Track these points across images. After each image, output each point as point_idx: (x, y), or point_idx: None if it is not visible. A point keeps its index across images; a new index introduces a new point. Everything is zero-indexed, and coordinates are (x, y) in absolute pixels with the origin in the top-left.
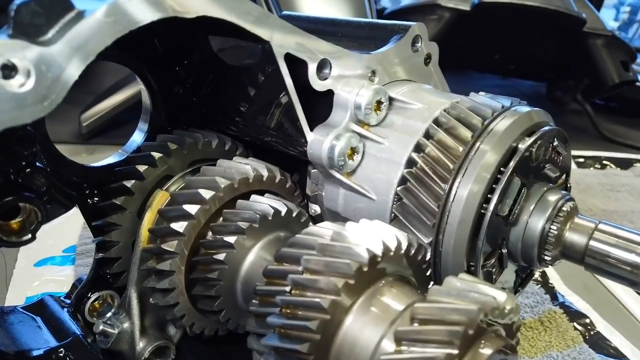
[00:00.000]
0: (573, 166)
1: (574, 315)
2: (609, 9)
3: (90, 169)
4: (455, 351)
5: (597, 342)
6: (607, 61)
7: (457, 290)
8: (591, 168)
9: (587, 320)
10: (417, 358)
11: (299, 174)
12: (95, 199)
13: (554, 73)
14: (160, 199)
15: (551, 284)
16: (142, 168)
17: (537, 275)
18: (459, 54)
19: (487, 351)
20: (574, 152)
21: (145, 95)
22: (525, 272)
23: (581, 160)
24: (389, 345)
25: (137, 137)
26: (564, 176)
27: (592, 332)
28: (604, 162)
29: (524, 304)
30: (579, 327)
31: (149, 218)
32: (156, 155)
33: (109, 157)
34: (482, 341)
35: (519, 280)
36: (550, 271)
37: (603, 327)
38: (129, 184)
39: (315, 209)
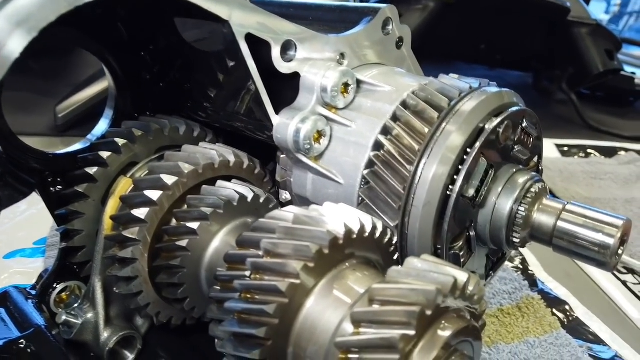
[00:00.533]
0: (557, 155)
1: (553, 301)
2: (599, 2)
3: (53, 156)
4: (412, 332)
5: (575, 327)
6: (591, 50)
7: (417, 271)
8: (575, 157)
9: (566, 307)
10: (373, 339)
11: (271, 160)
12: (59, 187)
13: (539, 63)
14: (123, 185)
15: (531, 270)
16: (105, 155)
17: (517, 262)
18: (445, 45)
19: (446, 332)
20: (559, 141)
21: (110, 81)
22: (497, 256)
23: (565, 149)
24: (348, 327)
25: (102, 124)
26: (535, 158)
27: (570, 318)
28: (588, 150)
29: (502, 291)
30: (558, 313)
31: (112, 205)
32: (120, 141)
33: (74, 145)
34: (442, 322)
35: (490, 264)
36: (531, 258)
37: (582, 313)
38: (91, 171)
39: (285, 195)
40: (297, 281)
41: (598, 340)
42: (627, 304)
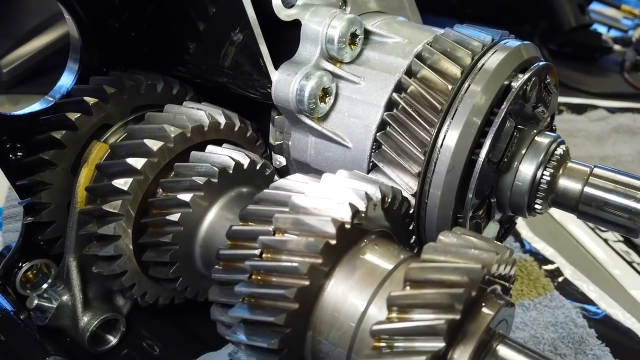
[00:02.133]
0: None
1: (542, 262)
2: None
3: (9, 118)
4: (458, 316)
5: (565, 288)
6: (565, 3)
7: (455, 247)
8: None
9: (555, 267)
10: (415, 326)
11: (260, 121)
12: (19, 153)
13: (512, 16)
14: (97, 151)
15: (518, 231)
16: (73, 116)
17: None
18: None
19: (490, 313)
20: None
21: (73, 28)
22: (509, 222)
23: None
24: (378, 312)
25: (66, 80)
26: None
27: (559, 279)
28: (560, 107)
29: None
30: (548, 274)
31: (85, 175)
32: (90, 100)
33: (33, 105)
34: (482, 303)
35: (502, 230)
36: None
37: (570, 273)
38: (58, 135)
39: (280, 160)
40: (318, 260)
41: (588, 300)
42: (609, 261)
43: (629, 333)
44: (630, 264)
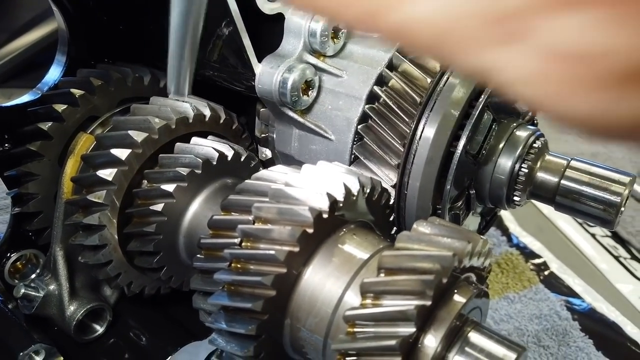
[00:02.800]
0: None
1: (529, 255)
2: None
3: None
4: (429, 302)
5: (550, 281)
6: None
7: (428, 235)
8: None
9: (541, 260)
10: (387, 311)
11: (247, 114)
12: (7, 145)
13: None
14: (84, 143)
15: (506, 225)
16: (60, 108)
17: None
18: None
19: (461, 300)
20: None
21: (61, 21)
22: (490, 215)
23: None
24: (353, 298)
25: (54, 72)
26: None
27: (545, 272)
28: None
29: None
30: (534, 268)
31: (71, 165)
32: (77, 92)
33: (21, 97)
34: (455, 290)
35: (484, 222)
36: (505, 213)
37: (556, 267)
38: (45, 126)
39: (265, 152)
40: (296, 249)
41: (573, 294)
42: (596, 256)
43: (613, 326)
44: (617, 258)
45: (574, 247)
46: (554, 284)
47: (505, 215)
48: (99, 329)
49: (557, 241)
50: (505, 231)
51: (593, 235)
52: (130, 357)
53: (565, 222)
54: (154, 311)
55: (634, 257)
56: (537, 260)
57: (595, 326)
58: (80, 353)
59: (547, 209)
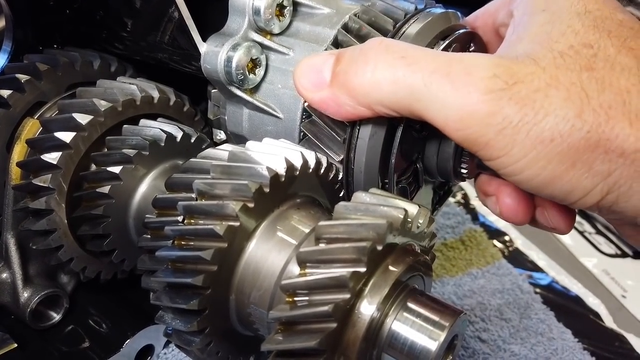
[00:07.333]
0: None
1: (494, 233)
2: None
3: None
4: (363, 269)
5: (515, 257)
6: None
7: (365, 205)
8: None
9: (507, 238)
10: (321, 279)
11: (202, 97)
12: None
13: None
14: (30, 128)
15: (472, 205)
16: (6, 93)
17: (459, 197)
18: None
19: (397, 268)
20: None
21: (5, 6)
22: (443, 189)
23: None
24: (294, 269)
25: None
26: None
27: (510, 249)
28: None
29: (445, 225)
30: (499, 244)
31: (18, 151)
32: (23, 77)
33: None
34: (393, 257)
35: (437, 197)
36: (472, 192)
37: (521, 243)
38: None
39: (220, 135)
40: (236, 223)
41: (536, 268)
42: None
43: (575, 298)
44: (582, 233)
45: None
46: (518, 259)
47: (472, 193)
48: (56, 316)
49: None
50: (471, 210)
51: None
52: (90, 343)
53: None
54: (112, 297)
55: (599, 232)
56: (502, 238)
57: (557, 299)
58: (37, 340)
59: None
